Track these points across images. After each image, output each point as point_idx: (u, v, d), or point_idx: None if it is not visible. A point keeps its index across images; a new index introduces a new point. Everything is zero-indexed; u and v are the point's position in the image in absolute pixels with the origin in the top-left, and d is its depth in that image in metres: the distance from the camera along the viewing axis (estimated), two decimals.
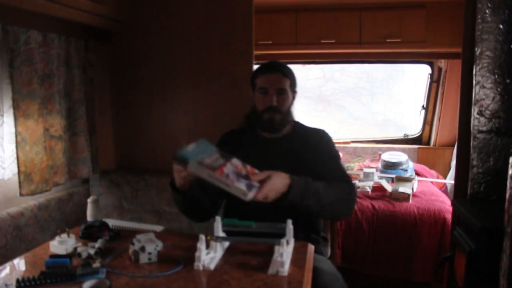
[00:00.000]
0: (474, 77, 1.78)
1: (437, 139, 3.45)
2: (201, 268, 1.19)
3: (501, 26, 1.65)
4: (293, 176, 1.34)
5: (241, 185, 1.19)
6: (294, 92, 1.59)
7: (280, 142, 1.59)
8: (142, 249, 1.24)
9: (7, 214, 1.63)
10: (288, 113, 1.57)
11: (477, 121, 1.77)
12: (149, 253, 1.25)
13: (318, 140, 1.58)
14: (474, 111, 1.78)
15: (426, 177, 3.08)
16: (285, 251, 1.18)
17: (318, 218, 1.61)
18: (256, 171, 1.29)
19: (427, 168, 3.21)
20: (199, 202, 1.50)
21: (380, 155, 3.23)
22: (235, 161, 1.28)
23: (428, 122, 3.51)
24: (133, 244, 1.26)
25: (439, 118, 3.35)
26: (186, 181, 1.34)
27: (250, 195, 1.19)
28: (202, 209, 1.55)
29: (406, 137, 3.66)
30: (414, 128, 3.65)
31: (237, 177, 1.21)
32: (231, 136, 1.68)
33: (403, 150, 3.34)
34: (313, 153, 1.54)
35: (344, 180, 1.48)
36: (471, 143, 1.80)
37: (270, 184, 1.26)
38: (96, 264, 1.18)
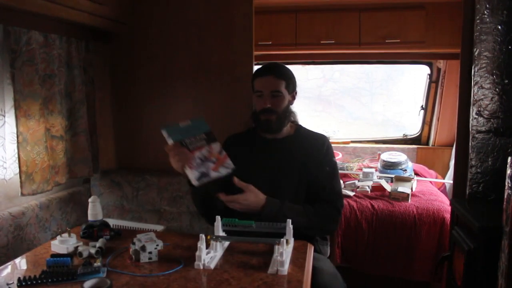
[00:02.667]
0: (472, 77, 1.79)
1: (436, 139, 3.46)
2: (201, 267, 1.20)
3: (499, 27, 1.66)
4: (269, 199, 1.47)
5: (194, 172, 1.32)
6: (292, 91, 1.61)
7: (281, 143, 1.62)
8: (143, 248, 1.25)
9: (9, 213, 1.64)
10: (285, 113, 1.59)
11: (475, 121, 1.78)
12: (150, 253, 1.26)
13: (320, 147, 1.61)
14: (473, 111, 1.79)
15: (425, 177, 3.09)
16: (284, 251, 1.18)
17: None
18: (228, 161, 1.39)
19: (426, 168, 3.22)
20: (212, 200, 1.53)
21: (379, 155, 3.24)
22: (215, 146, 1.39)
23: (427, 122, 3.51)
24: (133, 243, 1.27)
25: (438, 118, 3.35)
26: (181, 163, 1.36)
27: (196, 183, 1.33)
28: (216, 208, 1.57)
29: (405, 137, 3.66)
30: (413, 128, 3.65)
31: (202, 162, 1.34)
32: (237, 138, 1.71)
33: (402, 150, 3.35)
34: (313, 158, 1.58)
35: (334, 202, 1.57)
36: (469, 143, 1.81)
37: (241, 198, 1.42)
38: (97, 264, 1.19)
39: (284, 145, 1.62)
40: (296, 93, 1.65)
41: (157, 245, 1.27)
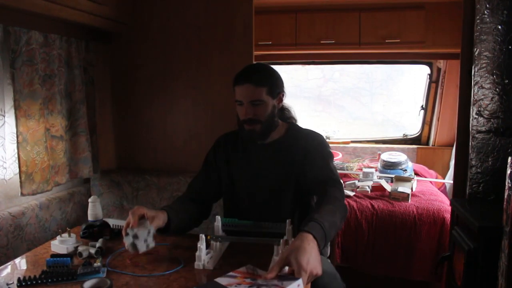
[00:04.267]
0: (472, 77, 1.79)
1: (436, 139, 3.46)
2: (201, 267, 1.20)
3: (499, 27, 1.67)
4: (308, 228, 1.17)
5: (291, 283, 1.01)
6: (278, 94, 1.51)
7: (271, 147, 1.55)
8: (135, 236, 1.22)
9: (8, 213, 1.64)
10: (270, 121, 1.50)
11: (475, 121, 1.78)
12: (145, 240, 1.24)
13: (309, 143, 1.53)
14: (473, 111, 1.79)
15: (425, 177, 3.09)
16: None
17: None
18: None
19: (426, 168, 3.22)
20: (186, 223, 1.50)
21: (379, 155, 3.24)
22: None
23: (427, 122, 3.52)
24: (127, 234, 1.24)
25: (438, 118, 3.36)
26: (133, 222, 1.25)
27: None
28: (195, 220, 1.56)
29: (405, 137, 3.67)
30: (413, 128, 3.66)
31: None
32: (228, 138, 1.66)
33: (402, 150, 3.35)
34: (303, 155, 1.50)
35: (334, 182, 1.43)
36: (470, 143, 1.81)
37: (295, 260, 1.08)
38: (97, 264, 1.19)
39: (274, 148, 1.54)
40: (283, 94, 1.53)
41: (149, 231, 1.24)
